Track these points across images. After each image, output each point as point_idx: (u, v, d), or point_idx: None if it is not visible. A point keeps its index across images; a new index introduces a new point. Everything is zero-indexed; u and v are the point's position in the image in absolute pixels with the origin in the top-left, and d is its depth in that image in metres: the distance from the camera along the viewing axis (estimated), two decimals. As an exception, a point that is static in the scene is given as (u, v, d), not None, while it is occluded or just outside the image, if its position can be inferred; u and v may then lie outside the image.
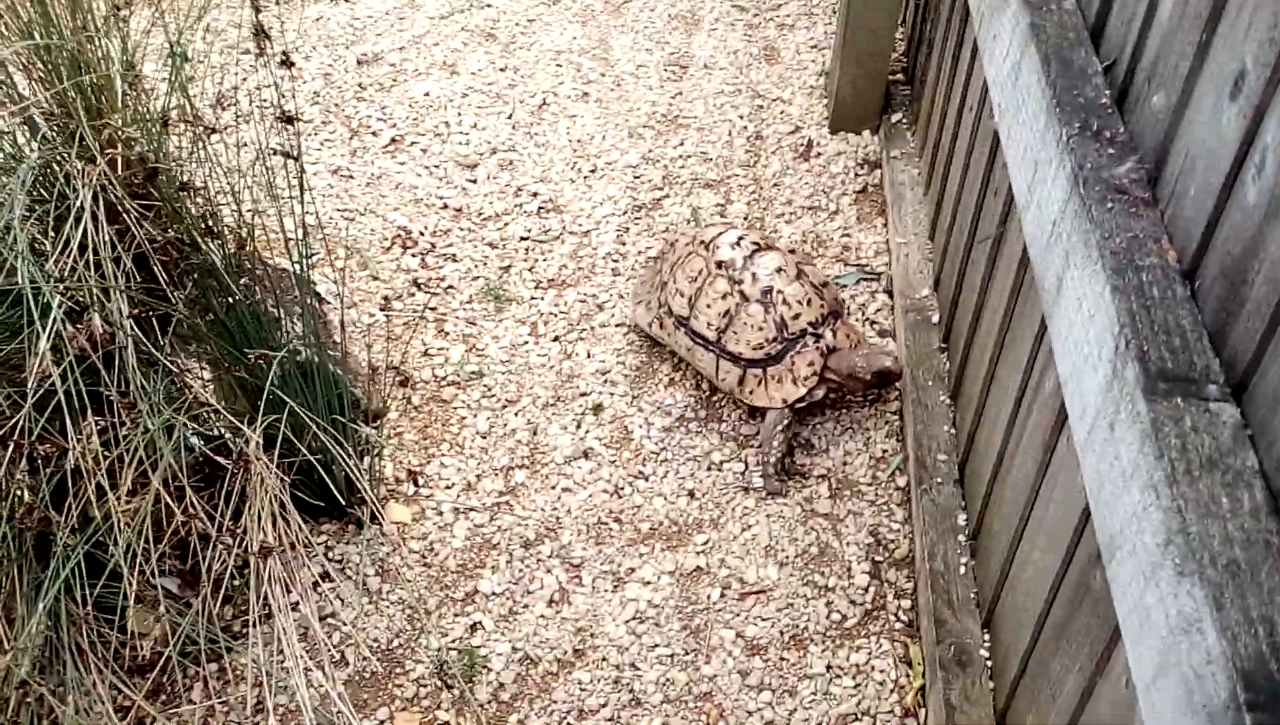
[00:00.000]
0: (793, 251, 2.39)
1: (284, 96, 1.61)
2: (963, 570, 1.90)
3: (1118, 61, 1.41)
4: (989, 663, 1.77)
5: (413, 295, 2.58)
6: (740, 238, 2.29)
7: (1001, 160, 1.72)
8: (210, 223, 1.62)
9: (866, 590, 2.02)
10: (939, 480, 2.04)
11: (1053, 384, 1.49)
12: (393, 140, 3.03)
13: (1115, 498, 1.08)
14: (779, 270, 2.22)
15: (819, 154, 2.99)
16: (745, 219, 2.80)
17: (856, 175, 2.91)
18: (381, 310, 2.51)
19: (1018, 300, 1.73)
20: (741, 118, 3.14)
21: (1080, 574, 1.35)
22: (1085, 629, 1.33)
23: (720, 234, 2.31)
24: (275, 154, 1.61)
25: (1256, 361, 1.00)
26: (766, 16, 3.57)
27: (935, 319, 2.37)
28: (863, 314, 2.54)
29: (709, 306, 2.22)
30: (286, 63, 1.49)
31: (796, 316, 2.19)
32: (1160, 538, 0.96)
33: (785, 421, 2.16)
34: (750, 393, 2.20)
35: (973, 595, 1.87)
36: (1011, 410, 1.71)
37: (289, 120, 1.54)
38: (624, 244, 2.74)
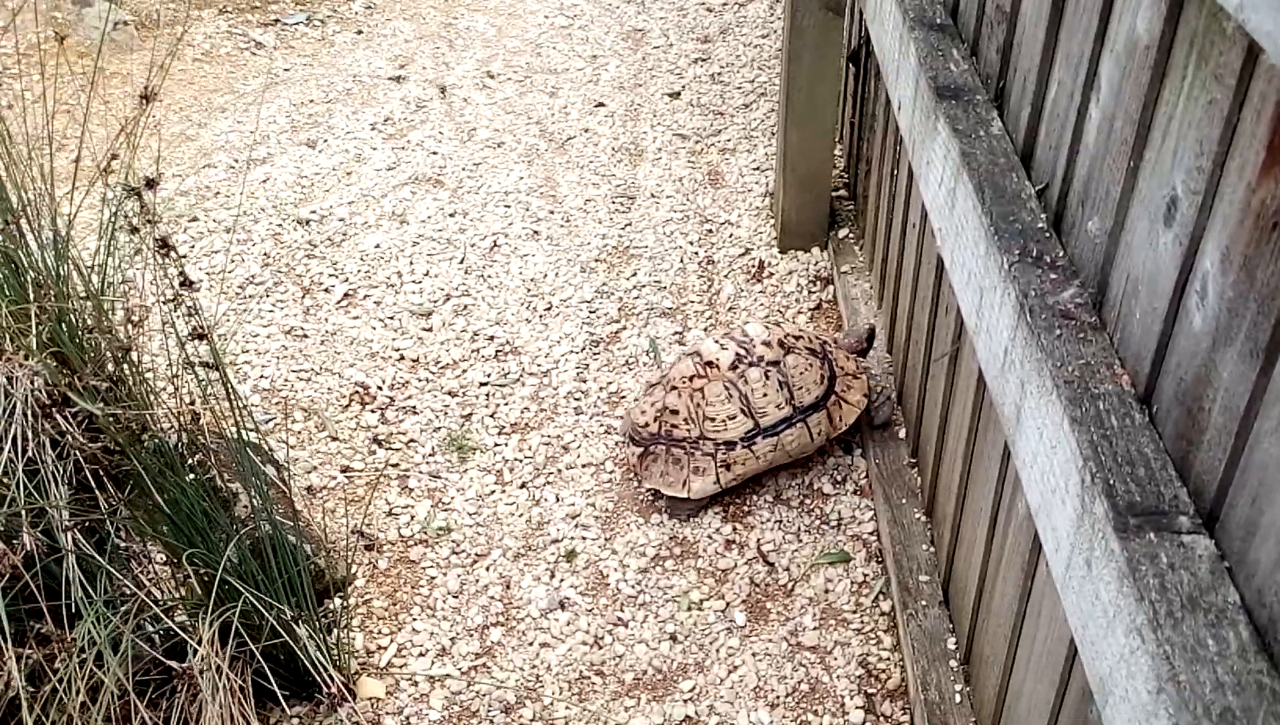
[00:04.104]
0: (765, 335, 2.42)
1: (200, 303, 1.60)
2: (958, 699, 1.84)
3: (1050, 185, 1.42)
4: (994, 797, 1.70)
5: (373, 453, 2.54)
6: (739, 355, 2.35)
7: (948, 281, 1.72)
8: (144, 423, 1.58)
9: (861, 725, 1.95)
10: (924, 603, 1.99)
11: (1025, 508, 1.46)
12: (345, 295, 3.02)
13: (1101, 638, 1.04)
14: (766, 343, 2.36)
15: (771, 274, 3.01)
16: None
17: (810, 292, 2.93)
18: (343, 473, 2.46)
19: (979, 419, 1.72)
20: (692, 244, 3.17)
21: (1075, 710, 1.30)
22: (1087, 768, 1.27)
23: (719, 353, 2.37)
24: (196, 366, 1.58)
25: (1224, 490, 0.98)
26: (708, 143, 3.64)
27: (902, 434, 2.35)
28: (830, 433, 2.52)
29: (765, 397, 2.29)
30: (185, 283, 1.47)
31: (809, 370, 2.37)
32: (1151, 685, 0.92)
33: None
34: (842, 409, 2.36)
35: (972, 723, 1.81)
36: (987, 531, 1.68)
37: (200, 336, 1.52)
38: (584, 381, 2.72)
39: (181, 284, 1.44)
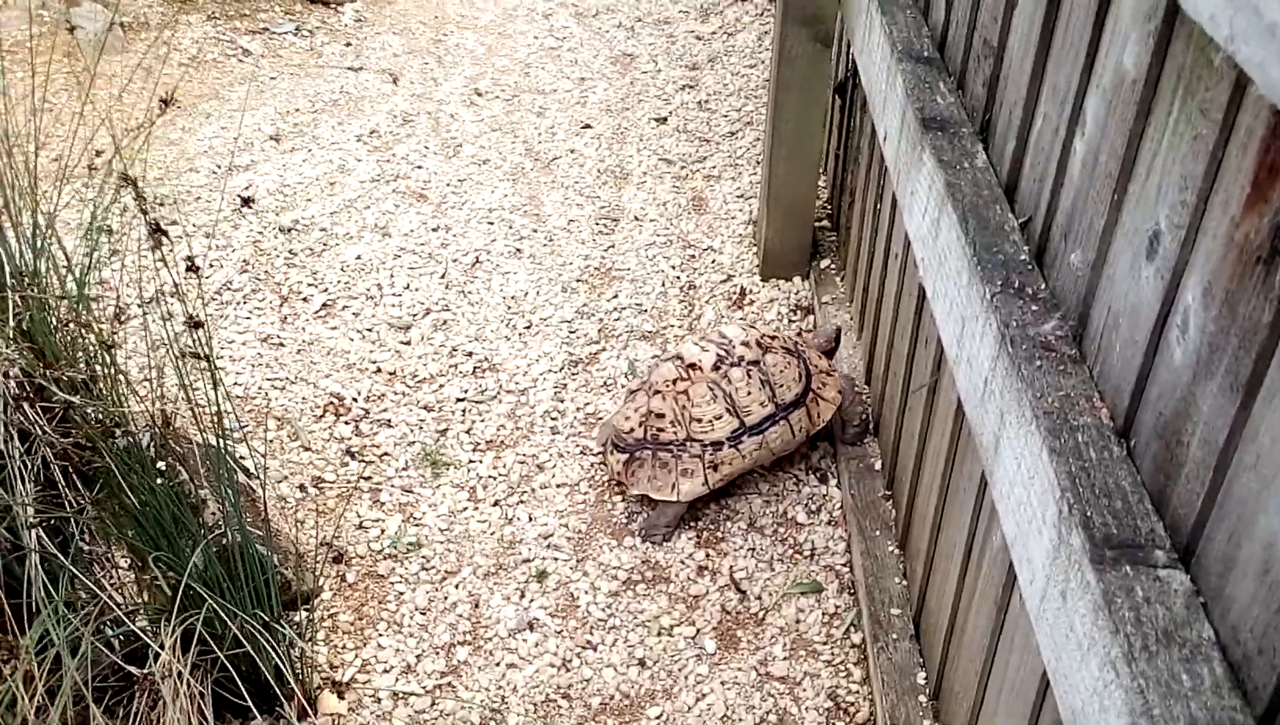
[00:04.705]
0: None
1: (188, 298, 1.58)
2: (925, 732, 1.83)
3: (1033, 218, 1.43)
4: (960, 832, 1.69)
5: (346, 465, 2.51)
6: (719, 357, 2.37)
7: (929, 311, 1.73)
8: (118, 420, 1.56)
9: (828, 756, 1.93)
10: (894, 636, 1.98)
11: (1000, 540, 1.45)
12: (324, 305, 3.00)
13: (1074, 671, 1.03)
14: (745, 344, 2.40)
15: (752, 301, 3.01)
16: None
17: (790, 321, 2.93)
18: (314, 484, 2.44)
19: (957, 450, 1.72)
20: (674, 268, 3.17)
21: (1045, 744, 1.29)
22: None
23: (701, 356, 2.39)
24: (184, 356, 1.56)
25: (1201, 524, 0.98)
26: (693, 168, 3.65)
27: (878, 466, 2.35)
28: (805, 463, 2.51)
29: (749, 395, 2.32)
30: (191, 267, 1.46)
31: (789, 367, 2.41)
32: (1125, 719, 0.91)
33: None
34: (819, 406, 2.40)
35: (938, 757, 1.80)
36: (961, 563, 1.67)
37: (196, 326, 1.50)
38: (561, 401, 2.71)
39: (188, 269, 1.42)
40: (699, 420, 2.29)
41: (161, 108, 1.62)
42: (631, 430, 2.32)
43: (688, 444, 2.29)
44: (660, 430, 2.30)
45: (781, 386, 2.34)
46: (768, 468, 2.48)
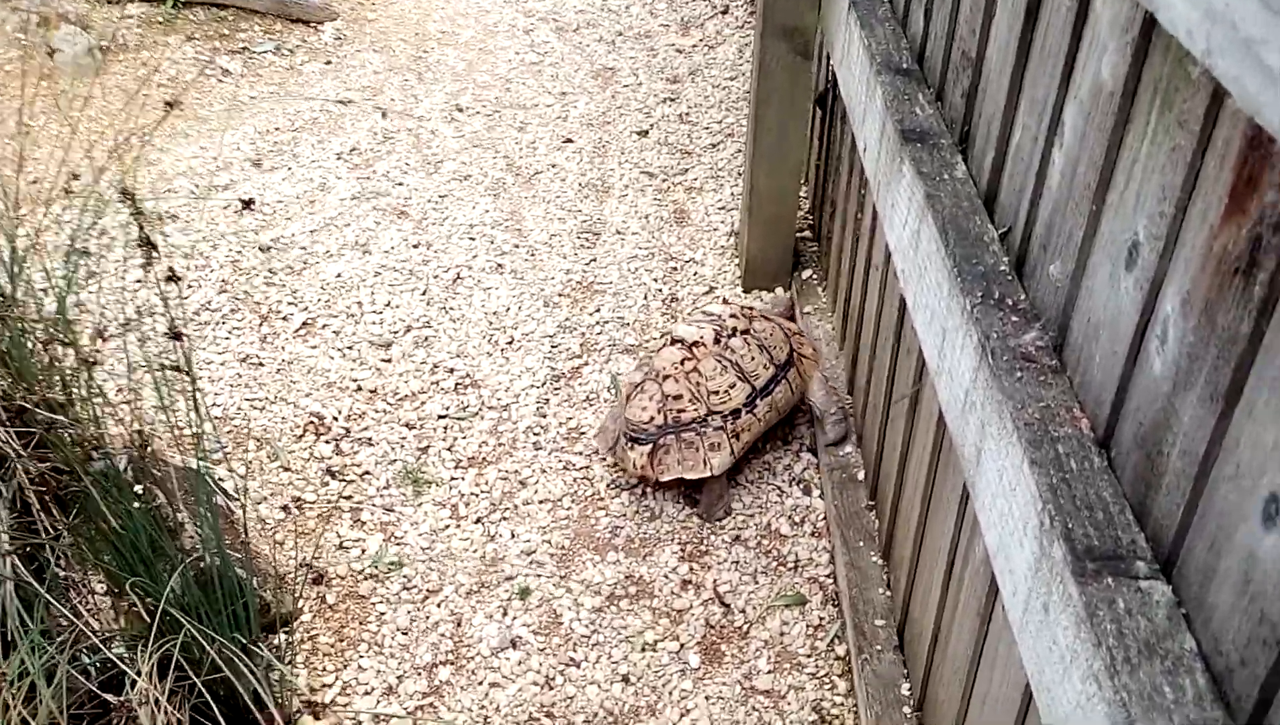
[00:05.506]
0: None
1: (171, 312, 1.56)
2: (912, 745, 1.82)
3: (1013, 229, 1.43)
4: (948, 846, 1.68)
5: (326, 484, 2.49)
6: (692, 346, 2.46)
7: (910, 322, 1.73)
8: (94, 443, 1.54)
9: (815, 772, 1.92)
10: (879, 648, 1.97)
11: (982, 551, 1.45)
12: (304, 324, 2.98)
13: (1057, 684, 1.03)
14: (733, 316, 2.55)
15: (734, 314, 3.01)
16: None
17: (773, 333, 2.93)
18: (294, 504, 2.41)
19: (939, 461, 1.71)
20: (656, 281, 3.17)
21: (1031, 758, 1.28)
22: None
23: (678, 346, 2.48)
24: (164, 368, 1.54)
25: (1182, 535, 0.97)
26: (675, 181, 3.65)
27: (861, 476, 2.35)
28: (789, 474, 2.51)
29: (753, 360, 2.44)
30: (172, 277, 1.44)
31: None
32: (1108, 733, 0.90)
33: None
34: (803, 364, 2.52)
35: (925, 771, 1.79)
36: (944, 574, 1.67)
37: (177, 337, 1.48)
38: (544, 416, 2.69)
39: (168, 278, 1.40)
40: (715, 392, 2.36)
41: (166, 110, 1.61)
42: (651, 419, 2.34)
43: (709, 418, 2.35)
44: (681, 411, 2.34)
45: (775, 348, 2.47)
46: (747, 480, 2.47)
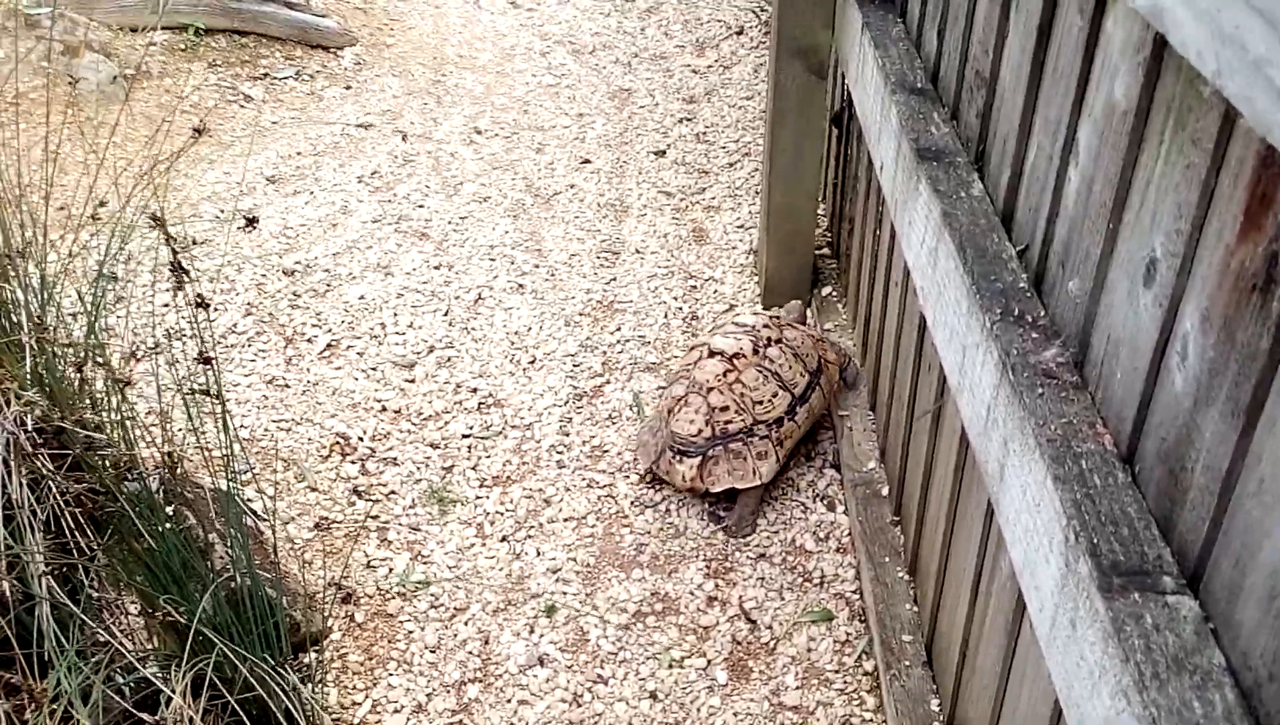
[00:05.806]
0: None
1: (201, 336, 1.59)
2: (940, 761, 1.82)
3: (1030, 246, 1.44)
4: None
5: (353, 504, 2.51)
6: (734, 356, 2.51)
7: (930, 339, 1.74)
8: (128, 463, 1.57)
9: (843, 788, 1.92)
10: (907, 663, 1.98)
11: (1008, 567, 1.46)
12: (328, 346, 3.02)
13: (1086, 700, 1.03)
14: (765, 326, 2.61)
15: (754, 331, 3.02)
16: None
17: (793, 349, 2.94)
18: (320, 527, 2.44)
19: (963, 477, 1.72)
20: (676, 299, 3.19)
21: (1060, 772, 1.29)
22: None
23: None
24: (194, 392, 1.57)
25: (1208, 550, 0.98)
26: (693, 200, 3.67)
27: (885, 492, 2.35)
28: (812, 490, 2.52)
29: (790, 369, 2.50)
30: (201, 304, 1.47)
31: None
32: (1137, 747, 0.91)
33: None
34: (829, 369, 2.61)
35: (953, 787, 1.79)
36: (971, 590, 1.67)
37: (206, 361, 1.51)
38: (567, 434, 2.71)
39: (198, 305, 1.43)
40: (760, 402, 2.41)
41: (193, 136, 1.65)
42: (700, 431, 2.38)
43: (755, 428, 2.39)
44: (729, 422, 2.38)
45: (807, 356, 2.53)
46: (771, 496, 2.48)
